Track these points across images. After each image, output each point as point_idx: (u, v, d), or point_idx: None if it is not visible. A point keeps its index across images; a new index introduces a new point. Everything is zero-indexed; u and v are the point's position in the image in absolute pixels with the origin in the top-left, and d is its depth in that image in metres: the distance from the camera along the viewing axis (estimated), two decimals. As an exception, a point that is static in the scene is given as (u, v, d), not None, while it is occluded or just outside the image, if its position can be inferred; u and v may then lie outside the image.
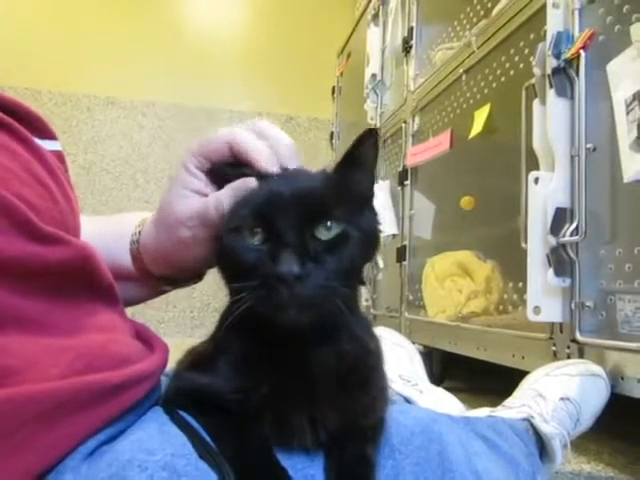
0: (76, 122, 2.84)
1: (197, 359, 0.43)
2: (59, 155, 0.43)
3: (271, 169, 0.42)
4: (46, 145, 0.42)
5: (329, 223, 0.38)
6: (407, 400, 0.84)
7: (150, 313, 2.75)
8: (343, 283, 0.37)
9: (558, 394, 0.76)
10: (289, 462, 0.38)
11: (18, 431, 0.30)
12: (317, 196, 0.38)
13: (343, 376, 0.40)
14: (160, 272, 0.52)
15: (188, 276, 0.54)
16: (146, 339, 0.43)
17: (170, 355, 0.44)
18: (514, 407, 0.76)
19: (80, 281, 0.37)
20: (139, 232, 0.52)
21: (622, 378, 0.81)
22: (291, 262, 0.35)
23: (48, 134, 0.43)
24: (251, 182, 0.42)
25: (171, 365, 0.45)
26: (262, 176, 0.41)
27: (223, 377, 0.39)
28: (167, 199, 0.47)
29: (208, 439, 0.37)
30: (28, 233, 0.33)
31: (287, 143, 0.45)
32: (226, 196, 0.42)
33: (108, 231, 0.54)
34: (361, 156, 0.41)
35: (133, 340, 0.41)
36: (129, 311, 0.46)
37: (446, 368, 1.47)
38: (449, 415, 0.64)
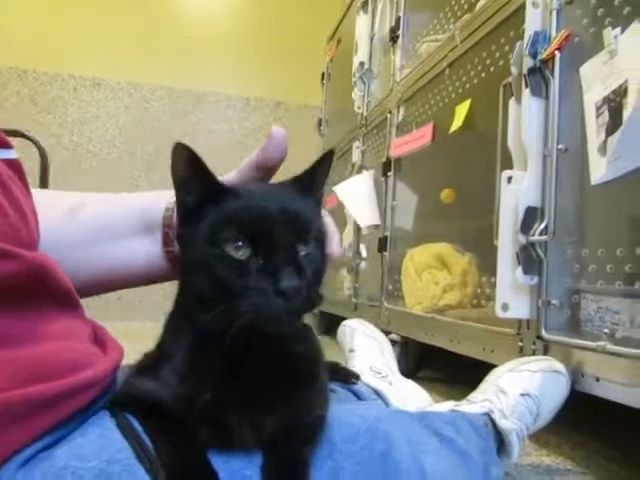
0: (62, 103, 2.80)
1: (145, 364, 0.44)
2: (13, 164, 0.43)
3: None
4: None
5: (309, 239, 0.41)
6: (376, 392, 0.86)
7: (127, 295, 2.75)
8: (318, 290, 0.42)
9: (519, 390, 0.79)
10: (227, 465, 0.39)
11: None
12: (301, 214, 0.41)
13: (294, 373, 0.43)
14: None
15: None
16: (102, 341, 0.44)
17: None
18: (477, 402, 0.78)
19: (33, 292, 0.37)
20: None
21: (582, 375, 0.83)
22: (293, 277, 0.37)
23: (0, 142, 0.42)
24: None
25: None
26: (233, 190, 0.42)
27: (167, 385, 0.40)
28: None
29: (149, 443, 0.38)
30: None
31: None
32: None
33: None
34: (322, 175, 0.46)
35: (88, 344, 0.42)
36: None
37: (422, 358, 1.50)
38: (402, 411, 0.66)
